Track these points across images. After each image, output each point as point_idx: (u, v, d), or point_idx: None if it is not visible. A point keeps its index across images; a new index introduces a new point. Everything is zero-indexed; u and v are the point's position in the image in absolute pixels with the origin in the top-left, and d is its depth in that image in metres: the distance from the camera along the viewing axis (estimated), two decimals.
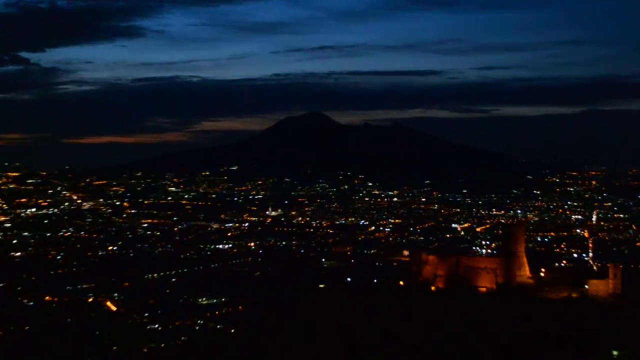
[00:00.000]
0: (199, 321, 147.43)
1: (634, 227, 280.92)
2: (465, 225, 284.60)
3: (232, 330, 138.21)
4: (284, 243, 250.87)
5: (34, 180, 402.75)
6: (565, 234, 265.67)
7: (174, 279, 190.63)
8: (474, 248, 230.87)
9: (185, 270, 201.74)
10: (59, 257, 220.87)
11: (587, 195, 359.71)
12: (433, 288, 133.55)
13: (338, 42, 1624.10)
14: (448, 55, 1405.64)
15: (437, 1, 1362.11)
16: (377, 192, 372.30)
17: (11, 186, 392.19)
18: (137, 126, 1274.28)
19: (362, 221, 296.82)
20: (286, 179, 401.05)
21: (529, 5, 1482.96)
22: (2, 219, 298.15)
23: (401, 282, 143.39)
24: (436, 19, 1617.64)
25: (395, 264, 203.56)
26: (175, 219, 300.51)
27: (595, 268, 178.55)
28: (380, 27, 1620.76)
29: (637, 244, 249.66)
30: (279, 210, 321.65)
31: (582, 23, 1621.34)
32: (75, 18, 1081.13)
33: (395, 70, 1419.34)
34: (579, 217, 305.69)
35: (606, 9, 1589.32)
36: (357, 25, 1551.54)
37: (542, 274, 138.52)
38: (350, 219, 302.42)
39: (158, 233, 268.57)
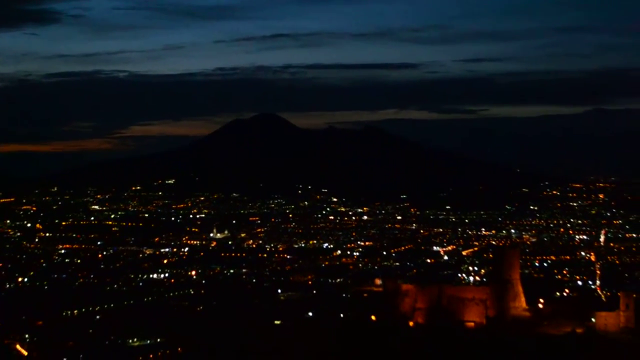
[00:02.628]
0: None
1: None
2: (449, 248, 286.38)
3: None
4: (232, 271, 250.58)
5: None
6: (568, 257, 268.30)
7: (98, 316, 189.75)
8: (459, 275, 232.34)
9: (112, 305, 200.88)
10: None
11: (593, 211, 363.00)
12: (411, 324, 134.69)
13: (295, 29, 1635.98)
14: (427, 44, 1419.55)
15: None
16: (343, 209, 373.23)
17: None
18: (52, 132, 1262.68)
19: (326, 244, 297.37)
20: (234, 194, 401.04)
21: None
22: None
23: (373, 317, 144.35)
24: (413, 1, 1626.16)
25: (365, 295, 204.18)
26: (99, 243, 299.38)
27: (603, 298, 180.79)
28: (345, 11, 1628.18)
29: None
30: (226, 232, 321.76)
31: (586, 6, 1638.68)
32: None
33: (364, 63, 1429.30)
34: (584, 237, 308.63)
35: None
36: (318, 9, 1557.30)
37: (540, 306, 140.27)
38: (311, 242, 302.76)
39: (78, 260, 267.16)
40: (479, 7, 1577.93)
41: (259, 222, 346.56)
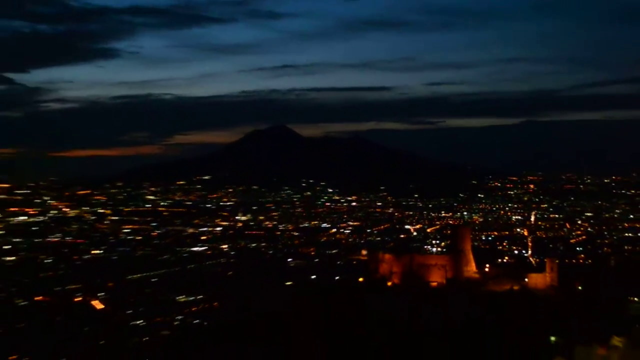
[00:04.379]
0: (177, 317, 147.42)
1: (568, 226, 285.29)
2: (417, 226, 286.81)
3: (207, 324, 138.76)
4: (253, 245, 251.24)
5: (22, 191, 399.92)
6: (507, 233, 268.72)
7: (154, 279, 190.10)
8: (425, 247, 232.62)
9: (164, 271, 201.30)
10: (48, 261, 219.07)
11: (525, 198, 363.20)
12: (389, 284, 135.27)
13: (298, 61, 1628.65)
14: (398, 72, 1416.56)
15: (388, 23, 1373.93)
16: (337, 198, 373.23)
17: (2, 196, 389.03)
18: (116, 140, 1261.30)
19: (324, 224, 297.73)
20: (254, 187, 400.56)
21: (470, 26, 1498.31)
22: None
23: (360, 279, 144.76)
24: (387, 40, 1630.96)
25: (354, 262, 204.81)
26: (153, 224, 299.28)
27: (534, 263, 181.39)
28: (336, 47, 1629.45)
29: (571, 241, 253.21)
30: (248, 215, 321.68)
31: (518, 42, 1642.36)
32: (56, 41, 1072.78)
33: (351, 87, 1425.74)
34: (519, 217, 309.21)
35: (539, 30, 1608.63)
36: (315, 45, 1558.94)
37: (486, 269, 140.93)
38: (313, 222, 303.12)
39: (138, 237, 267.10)
40: (438, 44, 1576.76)
41: (273, 207, 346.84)
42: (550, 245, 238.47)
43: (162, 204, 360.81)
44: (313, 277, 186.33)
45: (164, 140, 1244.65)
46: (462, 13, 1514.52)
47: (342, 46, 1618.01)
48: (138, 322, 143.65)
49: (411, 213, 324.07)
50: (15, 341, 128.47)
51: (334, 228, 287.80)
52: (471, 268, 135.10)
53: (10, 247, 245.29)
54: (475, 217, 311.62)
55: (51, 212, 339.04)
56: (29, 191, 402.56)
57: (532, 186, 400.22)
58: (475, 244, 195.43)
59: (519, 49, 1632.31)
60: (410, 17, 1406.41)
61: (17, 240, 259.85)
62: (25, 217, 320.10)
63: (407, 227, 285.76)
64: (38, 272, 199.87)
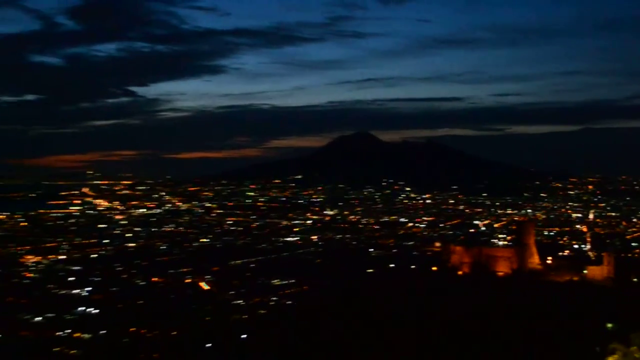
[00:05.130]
0: (273, 298, 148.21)
1: (624, 223, 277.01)
2: (486, 222, 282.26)
3: (297, 304, 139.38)
4: (339, 236, 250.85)
5: (143, 187, 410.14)
6: (567, 229, 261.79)
7: (252, 265, 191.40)
8: (492, 240, 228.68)
9: (261, 257, 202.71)
10: (163, 247, 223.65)
11: (585, 197, 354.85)
12: (460, 273, 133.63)
13: (380, 75, 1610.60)
14: (468, 84, 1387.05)
15: (459, 40, 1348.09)
16: (413, 196, 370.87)
17: (125, 192, 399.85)
18: (221, 144, 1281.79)
19: (402, 219, 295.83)
20: (340, 185, 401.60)
21: (534, 42, 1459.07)
22: (119, 217, 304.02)
23: (434, 268, 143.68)
24: (458, 56, 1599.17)
25: (429, 253, 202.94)
26: (253, 217, 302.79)
27: (592, 257, 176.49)
28: (413, 62, 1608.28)
29: (627, 237, 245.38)
30: (335, 210, 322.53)
31: (578, 57, 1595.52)
32: (172, 59, 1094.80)
33: (426, 97, 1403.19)
34: (579, 215, 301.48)
35: (599, 45, 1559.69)
36: (395, 61, 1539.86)
37: (548, 262, 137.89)
38: (392, 217, 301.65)
39: (240, 228, 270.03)
40: (504, 59, 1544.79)
41: (357, 203, 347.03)
42: (608, 241, 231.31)
43: (260, 199, 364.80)
44: (391, 265, 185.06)
45: (262, 144, 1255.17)
46: (526, 30, 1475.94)
47: (418, 62, 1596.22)
48: (239, 301, 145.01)
49: (480, 210, 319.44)
50: (135, 316, 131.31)
51: (411, 222, 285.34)
52: (534, 260, 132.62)
53: (132, 235, 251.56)
54: (538, 214, 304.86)
55: (166, 205, 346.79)
56: (147, 187, 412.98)
57: (590, 187, 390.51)
58: (538, 238, 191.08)
59: (579, 63, 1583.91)
60: (479, 34, 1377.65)
61: (138, 229, 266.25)
62: (145, 210, 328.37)
63: (476, 222, 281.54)
64: (155, 257, 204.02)
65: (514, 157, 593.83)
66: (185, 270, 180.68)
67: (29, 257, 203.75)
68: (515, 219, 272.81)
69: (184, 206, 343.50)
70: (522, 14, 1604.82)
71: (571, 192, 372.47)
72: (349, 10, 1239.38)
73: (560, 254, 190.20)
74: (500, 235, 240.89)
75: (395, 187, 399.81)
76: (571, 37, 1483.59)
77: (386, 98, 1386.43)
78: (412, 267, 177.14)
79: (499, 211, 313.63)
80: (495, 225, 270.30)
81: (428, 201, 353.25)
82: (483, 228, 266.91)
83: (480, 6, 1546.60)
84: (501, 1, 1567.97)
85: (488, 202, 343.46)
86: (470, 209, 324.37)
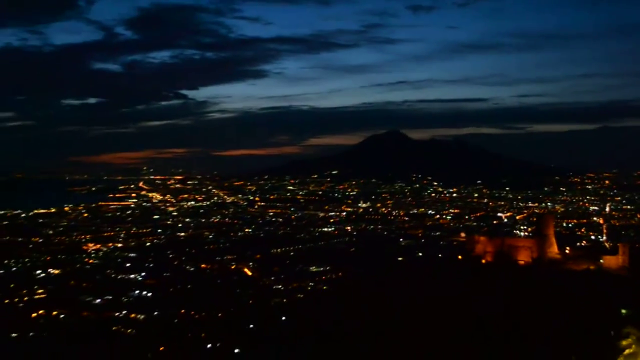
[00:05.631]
0: (310, 283, 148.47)
1: (638, 216, 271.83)
2: (508, 214, 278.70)
3: (332, 289, 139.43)
4: (372, 227, 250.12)
5: (192, 182, 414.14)
6: (585, 221, 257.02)
7: (292, 253, 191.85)
8: (514, 231, 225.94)
9: (300, 246, 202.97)
10: (210, 237, 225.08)
11: (601, 192, 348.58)
12: (483, 261, 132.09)
13: (410, 78, 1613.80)
14: (493, 86, 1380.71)
15: (484, 45, 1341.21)
16: (440, 190, 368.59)
17: (177, 186, 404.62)
18: (264, 142, 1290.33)
19: (430, 211, 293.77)
20: (372, 180, 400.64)
21: (555, 47, 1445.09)
22: (171, 209, 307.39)
23: (459, 257, 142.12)
24: (483, 59, 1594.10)
25: (454, 243, 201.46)
26: (292, 209, 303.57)
27: (608, 247, 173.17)
28: (441, 66, 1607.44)
29: None
30: (368, 203, 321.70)
31: (596, 59, 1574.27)
32: (219, 65, 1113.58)
33: (453, 99, 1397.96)
34: (596, 208, 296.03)
35: (616, 48, 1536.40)
36: (424, 65, 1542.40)
37: (567, 251, 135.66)
38: (420, 210, 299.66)
39: (280, 219, 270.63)
40: (526, 62, 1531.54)
41: (388, 197, 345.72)
42: (623, 232, 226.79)
43: (299, 193, 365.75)
44: (420, 254, 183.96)
45: (301, 142, 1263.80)
46: (547, 35, 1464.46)
47: (445, 65, 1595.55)
48: (278, 286, 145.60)
49: (503, 203, 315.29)
50: (185, 299, 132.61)
51: (438, 214, 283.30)
52: (553, 250, 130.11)
53: (182, 225, 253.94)
54: (557, 207, 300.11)
55: (214, 198, 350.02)
56: (197, 182, 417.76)
57: (607, 182, 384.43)
58: (557, 229, 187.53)
59: (598, 65, 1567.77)
60: (503, 40, 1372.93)
61: (188, 220, 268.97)
62: (194, 202, 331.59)
63: (499, 214, 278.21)
64: (203, 245, 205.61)
65: (535, 154, 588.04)
66: (230, 257, 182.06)
67: (91, 244, 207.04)
68: (536, 211, 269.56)
69: (229, 199, 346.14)
70: (544, 20, 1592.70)
71: (589, 187, 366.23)
72: (381, 19, 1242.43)
73: (578, 244, 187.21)
74: (521, 227, 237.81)
75: (424, 181, 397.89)
76: (590, 40, 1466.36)
77: (415, 99, 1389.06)
78: (439, 255, 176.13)
79: (521, 204, 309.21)
80: (517, 217, 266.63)
81: (454, 195, 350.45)
82: (505, 220, 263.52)
83: (504, 14, 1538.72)
84: (524, 9, 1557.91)
85: (510, 196, 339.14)
86: (494, 202, 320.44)
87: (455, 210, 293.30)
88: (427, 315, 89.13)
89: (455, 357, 75.45)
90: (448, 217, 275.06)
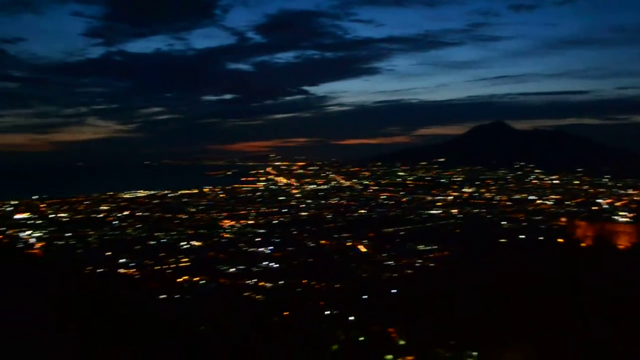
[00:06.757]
0: (418, 260, 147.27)
1: None
2: (608, 200, 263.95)
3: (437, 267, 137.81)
4: (476, 210, 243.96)
5: (313, 168, 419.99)
6: None
7: (402, 232, 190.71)
8: (614, 217, 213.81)
9: (409, 227, 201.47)
10: (329, 216, 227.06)
11: None
12: (583, 245, 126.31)
13: (512, 72, 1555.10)
14: (593, 79, 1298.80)
15: (584, 40, 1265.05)
16: (542, 177, 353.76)
17: (300, 171, 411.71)
18: (377, 132, 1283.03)
19: (531, 196, 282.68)
20: (477, 167, 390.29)
21: None
22: (295, 191, 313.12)
23: (560, 240, 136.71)
24: (583, 54, 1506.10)
25: (555, 227, 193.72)
26: (402, 193, 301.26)
27: None
28: (542, 61, 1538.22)
29: None
30: (473, 188, 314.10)
31: None
32: (337, 63, 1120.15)
33: (554, 91, 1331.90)
34: None
35: None
36: (525, 60, 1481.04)
37: None
38: (522, 195, 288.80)
39: (391, 202, 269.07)
40: (625, 56, 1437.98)
41: (491, 183, 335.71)
42: None
43: (409, 178, 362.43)
44: (521, 236, 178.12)
45: (410, 132, 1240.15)
46: None
47: (546, 60, 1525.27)
48: (389, 262, 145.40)
49: (603, 190, 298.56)
50: (306, 271, 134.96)
51: (539, 200, 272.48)
52: None
53: (304, 206, 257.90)
54: None
55: (332, 182, 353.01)
56: (317, 168, 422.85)
57: None
58: None
59: None
60: (601, 35, 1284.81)
61: (309, 201, 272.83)
62: (315, 186, 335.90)
63: (598, 201, 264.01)
64: (322, 224, 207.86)
65: (636, 143, 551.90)
66: (346, 235, 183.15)
67: (226, 221, 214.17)
68: (636, 198, 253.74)
69: (346, 183, 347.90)
70: None
71: None
72: (485, 18, 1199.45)
73: None
74: (621, 213, 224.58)
75: (526, 169, 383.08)
76: None
77: (518, 92, 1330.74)
78: (540, 238, 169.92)
79: (620, 191, 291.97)
80: (617, 204, 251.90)
81: (555, 182, 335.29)
82: (605, 206, 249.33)
83: (602, 10, 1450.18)
84: (622, 3, 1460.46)
85: (610, 184, 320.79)
86: (594, 189, 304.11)
87: (556, 196, 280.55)
88: (533, 292, 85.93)
89: (569, 334, 72.13)
90: (549, 203, 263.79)
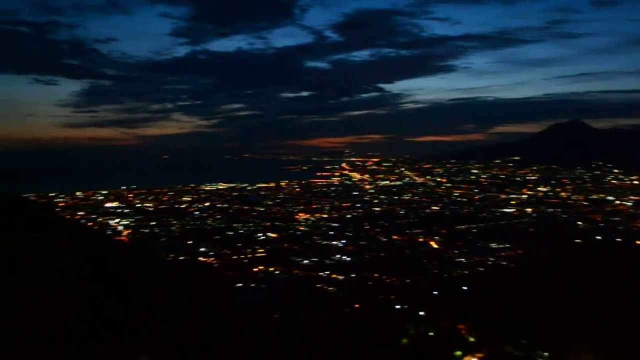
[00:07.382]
0: (490, 258, 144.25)
1: None
2: None
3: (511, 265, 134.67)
4: (551, 210, 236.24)
5: (387, 164, 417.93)
6: None
7: (474, 230, 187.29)
8: None
9: (482, 224, 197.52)
10: (401, 212, 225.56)
11: None
12: None
13: (591, 70, 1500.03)
14: None
15: None
16: (621, 177, 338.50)
17: (373, 167, 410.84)
18: (451, 130, 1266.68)
19: (609, 197, 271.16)
20: (553, 166, 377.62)
21: None
22: (368, 187, 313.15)
23: (638, 242, 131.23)
24: None
25: (634, 228, 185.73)
26: (476, 190, 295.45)
27: None
28: (624, 58, 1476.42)
29: None
30: (548, 187, 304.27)
31: None
32: (412, 61, 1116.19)
33: (634, 89, 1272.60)
34: None
35: None
36: (606, 57, 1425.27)
37: None
38: (600, 195, 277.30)
39: (464, 199, 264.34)
40: None
41: (568, 182, 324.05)
42: None
43: (483, 176, 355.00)
44: (598, 237, 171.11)
45: (485, 130, 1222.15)
46: None
47: (628, 57, 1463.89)
48: (461, 259, 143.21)
49: None
50: (378, 265, 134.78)
51: (618, 200, 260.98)
52: None
53: (377, 201, 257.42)
54: None
55: (405, 179, 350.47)
56: (391, 164, 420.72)
57: None
58: None
59: None
60: None
61: (382, 197, 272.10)
62: (388, 182, 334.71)
63: None
64: (395, 219, 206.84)
65: None
66: (418, 231, 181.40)
67: (301, 214, 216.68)
68: None
69: (419, 180, 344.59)
70: None
71: None
72: (565, 15, 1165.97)
73: None
74: None
75: (604, 169, 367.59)
76: None
77: (598, 90, 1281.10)
78: (618, 240, 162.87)
79: None
80: None
81: (635, 182, 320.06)
82: None
83: None
84: None
85: None
86: None
87: (636, 197, 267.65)
88: (609, 295, 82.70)
89: None
90: (628, 204, 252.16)
